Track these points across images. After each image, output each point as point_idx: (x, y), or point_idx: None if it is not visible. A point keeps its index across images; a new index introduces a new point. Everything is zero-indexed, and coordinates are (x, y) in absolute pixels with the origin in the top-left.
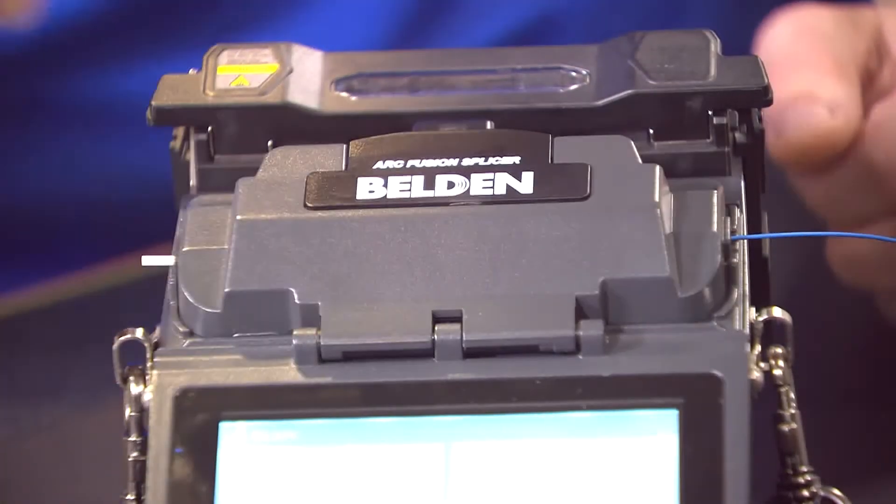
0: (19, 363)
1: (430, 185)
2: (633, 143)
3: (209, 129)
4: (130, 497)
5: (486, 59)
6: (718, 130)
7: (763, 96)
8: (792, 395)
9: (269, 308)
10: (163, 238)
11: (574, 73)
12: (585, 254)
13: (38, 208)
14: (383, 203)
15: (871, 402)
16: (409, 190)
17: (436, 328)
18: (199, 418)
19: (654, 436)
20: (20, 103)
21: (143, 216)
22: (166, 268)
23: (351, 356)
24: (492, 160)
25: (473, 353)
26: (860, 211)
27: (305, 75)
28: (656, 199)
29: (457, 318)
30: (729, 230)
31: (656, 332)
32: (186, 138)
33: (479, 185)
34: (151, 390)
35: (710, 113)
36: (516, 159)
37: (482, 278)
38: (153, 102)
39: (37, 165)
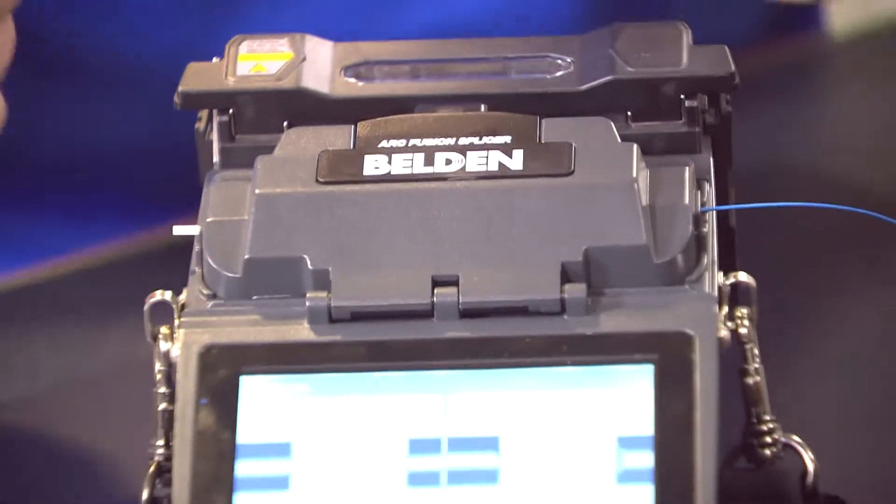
0: (59, 323)
1: (429, 161)
2: (612, 124)
3: (230, 111)
4: (160, 443)
5: (480, 49)
6: (690, 113)
7: (730, 82)
8: (756, 352)
9: (285, 273)
10: (189, 211)
11: (560, 61)
12: (570, 224)
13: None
14: (388, 178)
15: (829, 357)
16: (411, 166)
17: (435, 291)
18: (222, 373)
19: (632, 388)
20: (51, 58)
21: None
22: (192, 236)
23: (358, 316)
24: (485, 139)
25: (469, 313)
26: None
27: (317, 63)
28: (634, 174)
29: (454, 282)
30: (699, 203)
31: (634, 295)
32: (210, 120)
33: (474, 162)
34: (179, 347)
35: (682, 97)
36: (507, 139)
37: (477, 246)
38: (180, 88)
39: (67, 120)
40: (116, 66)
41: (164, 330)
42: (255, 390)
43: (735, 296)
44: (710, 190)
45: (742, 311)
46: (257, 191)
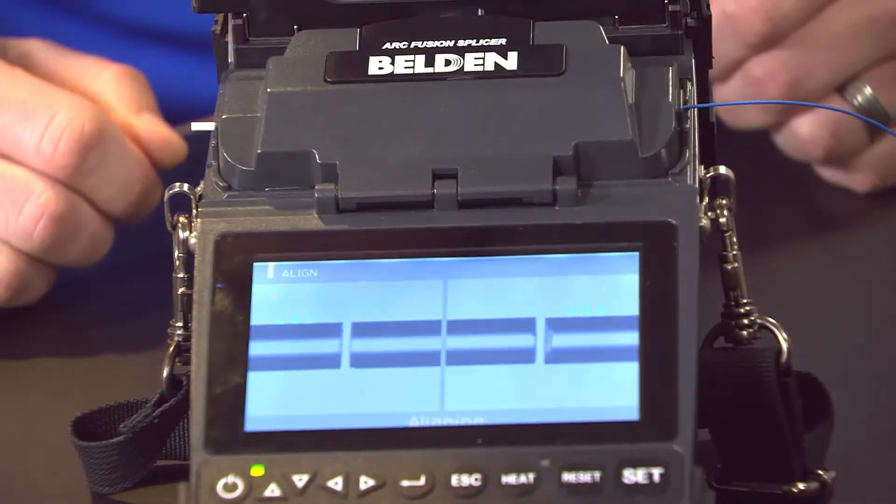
0: None
1: (430, 62)
2: (601, 27)
3: (244, 15)
4: (179, 324)
5: None
6: (673, 16)
7: None
8: (734, 239)
9: (295, 166)
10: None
11: None
12: (561, 120)
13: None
14: (391, 78)
15: (802, 245)
16: (413, 67)
17: (435, 183)
18: (236, 259)
19: (619, 274)
20: None
21: None
22: (209, 132)
23: (364, 207)
24: (482, 41)
25: (467, 204)
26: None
27: None
28: (621, 74)
29: (453, 175)
30: (682, 100)
31: (621, 187)
32: (225, 23)
33: (471, 62)
34: (196, 235)
35: (666, 1)
36: (503, 41)
37: (474, 141)
38: None
39: None
40: None
41: (182, 219)
42: (266, 276)
43: (715, 187)
44: (691, 89)
45: (721, 202)
46: (269, 89)
